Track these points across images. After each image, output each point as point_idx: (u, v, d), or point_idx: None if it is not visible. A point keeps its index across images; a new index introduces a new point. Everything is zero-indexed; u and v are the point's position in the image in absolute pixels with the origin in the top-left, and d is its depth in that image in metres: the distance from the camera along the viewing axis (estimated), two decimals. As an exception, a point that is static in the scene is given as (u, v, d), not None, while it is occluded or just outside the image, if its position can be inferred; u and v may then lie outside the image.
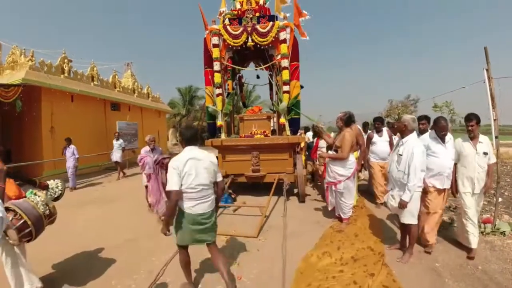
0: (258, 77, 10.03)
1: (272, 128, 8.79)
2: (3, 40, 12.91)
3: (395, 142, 5.81)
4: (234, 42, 7.20)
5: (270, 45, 7.22)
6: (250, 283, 3.46)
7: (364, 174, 8.39)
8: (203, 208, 3.05)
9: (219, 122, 7.33)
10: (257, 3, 7.68)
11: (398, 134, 5.75)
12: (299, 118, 7.45)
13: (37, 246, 4.11)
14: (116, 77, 17.59)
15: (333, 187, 5.08)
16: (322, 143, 7.00)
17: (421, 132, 4.69)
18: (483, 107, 5.08)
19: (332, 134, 7.08)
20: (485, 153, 3.90)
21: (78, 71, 14.10)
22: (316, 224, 5.32)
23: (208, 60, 7.38)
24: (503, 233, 4.50)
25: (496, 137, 4.99)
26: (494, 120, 6.12)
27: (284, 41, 6.99)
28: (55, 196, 3.04)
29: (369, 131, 7.23)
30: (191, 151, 3.07)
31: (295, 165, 7.11)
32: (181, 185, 2.95)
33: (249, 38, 7.11)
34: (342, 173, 4.96)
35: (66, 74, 13.15)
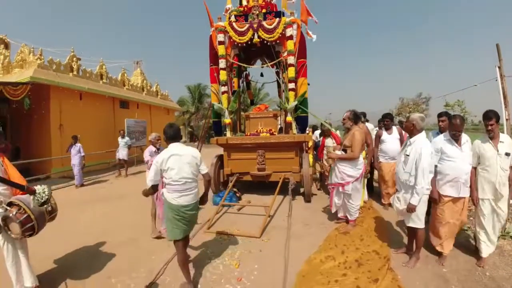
0: (262, 74, 9.93)
1: (279, 127, 8.69)
2: (12, 38, 13.07)
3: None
4: (240, 39, 7.10)
5: (276, 41, 7.09)
6: (250, 285, 3.38)
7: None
8: (186, 200, 3.27)
9: (225, 120, 7.25)
10: (263, -1, 7.56)
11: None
12: (307, 116, 7.32)
13: (39, 243, 4.18)
14: (125, 75, 17.69)
15: (340, 188, 4.89)
16: (329, 142, 6.87)
17: (441, 131, 4.36)
18: (495, 105, 4.80)
19: (337, 132, 6.96)
20: (507, 154, 3.55)
21: (87, 69, 14.21)
22: (321, 225, 5.20)
23: (214, 58, 7.31)
24: (513, 237, 4.30)
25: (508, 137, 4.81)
26: (507, 119, 5.94)
27: (291, 37, 6.85)
28: (42, 201, 3.04)
29: (373, 128, 7.08)
30: (174, 147, 3.29)
31: (301, 164, 7.00)
32: (165, 178, 3.25)
33: (255, 34, 6.99)
34: (351, 174, 4.77)
35: (75, 72, 13.26)
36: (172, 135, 3.35)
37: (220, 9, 8.88)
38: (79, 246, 4.60)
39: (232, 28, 7.10)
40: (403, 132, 5.95)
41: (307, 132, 7.76)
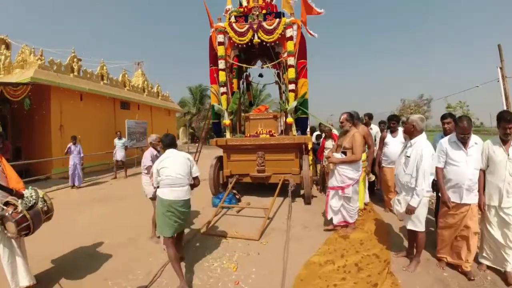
0: (261, 75, 9.88)
1: (281, 129, 8.65)
2: (13, 39, 13.08)
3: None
4: (239, 40, 7.06)
5: (276, 42, 7.06)
6: (247, 289, 3.34)
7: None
8: (178, 195, 3.47)
9: (224, 121, 7.21)
10: (264, 0, 7.53)
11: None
12: (307, 118, 7.27)
13: (38, 243, 4.19)
14: (126, 76, 17.69)
15: (340, 192, 4.75)
16: (329, 144, 6.81)
17: (446, 133, 4.15)
18: (496, 107, 4.68)
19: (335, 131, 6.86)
20: None
21: (87, 70, 14.21)
22: (321, 228, 5.14)
23: (214, 58, 7.28)
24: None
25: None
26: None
27: (291, 38, 6.81)
28: (29, 205, 3.04)
29: (378, 131, 6.98)
30: (170, 152, 3.70)
31: (301, 165, 6.95)
32: (159, 177, 3.52)
33: (255, 35, 6.96)
34: (352, 176, 4.67)
35: (75, 73, 13.26)
36: (168, 143, 3.78)
37: (220, 10, 8.86)
38: (77, 247, 4.58)
39: (232, 28, 7.07)
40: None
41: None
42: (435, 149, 3.63)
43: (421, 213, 3.52)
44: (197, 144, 15.59)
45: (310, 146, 7.95)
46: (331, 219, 4.93)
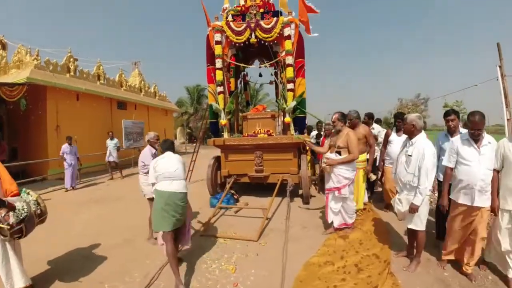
0: (260, 75, 9.85)
1: (281, 128, 8.60)
2: (10, 39, 12.97)
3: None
4: (237, 39, 7.01)
5: (274, 41, 6.99)
6: (246, 291, 3.29)
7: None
8: (177, 187, 3.56)
9: (222, 120, 7.16)
10: (261, -2, 7.47)
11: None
12: (305, 117, 7.26)
13: (33, 244, 4.14)
14: (123, 75, 17.61)
15: (336, 192, 4.68)
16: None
17: (450, 131, 3.95)
18: (495, 106, 4.62)
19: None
20: None
21: (84, 70, 14.13)
22: (320, 228, 5.10)
23: (211, 58, 7.22)
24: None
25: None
26: (508, 119, 5.86)
27: (289, 37, 6.76)
28: (21, 218, 2.99)
29: (380, 130, 6.91)
30: (166, 154, 3.85)
31: (299, 165, 6.91)
32: (157, 173, 3.63)
33: (253, 34, 6.90)
34: (348, 176, 4.61)
35: (71, 73, 13.19)
36: (166, 147, 3.94)
37: (217, 9, 8.80)
38: (73, 248, 4.52)
39: (229, 27, 7.02)
40: None
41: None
42: (437, 147, 3.59)
43: (423, 212, 3.48)
44: (194, 144, 15.53)
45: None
46: (332, 222, 4.85)
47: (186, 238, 3.89)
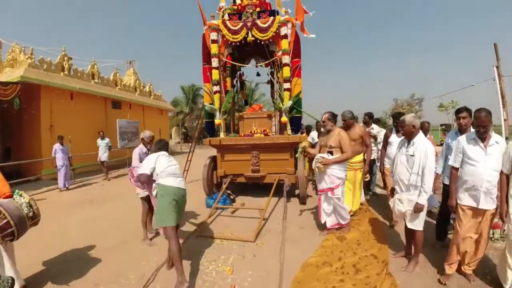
0: (258, 74, 9.81)
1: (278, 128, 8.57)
2: (4, 37, 12.84)
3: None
4: (233, 38, 6.96)
5: (270, 40, 6.97)
6: (243, 293, 3.25)
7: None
8: (180, 184, 3.63)
9: (217, 120, 7.11)
10: (257, -2, 7.43)
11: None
12: (301, 117, 7.24)
13: (27, 246, 4.07)
14: (118, 75, 17.49)
15: (329, 193, 4.62)
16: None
17: (461, 130, 3.76)
18: (492, 106, 4.56)
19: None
20: None
21: (78, 69, 14.00)
22: (317, 229, 5.08)
23: (207, 57, 7.17)
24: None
25: (506, 138, 4.68)
26: (505, 120, 5.87)
27: (285, 36, 6.73)
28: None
29: (379, 130, 6.85)
30: (162, 153, 3.83)
31: (296, 165, 6.89)
32: (158, 169, 3.60)
33: (249, 33, 6.86)
34: (341, 176, 4.58)
35: (66, 72, 13.06)
36: (160, 147, 3.92)
37: (213, 7, 8.75)
38: (67, 250, 4.45)
39: (226, 26, 6.97)
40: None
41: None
42: (446, 146, 3.56)
43: (422, 212, 3.46)
44: (190, 144, 15.47)
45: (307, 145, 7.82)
46: (325, 222, 4.82)
47: None
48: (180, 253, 3.37)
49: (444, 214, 4.15)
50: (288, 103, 6.75)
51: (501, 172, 3.04)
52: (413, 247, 3.67)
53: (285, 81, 6.80)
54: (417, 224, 3.49)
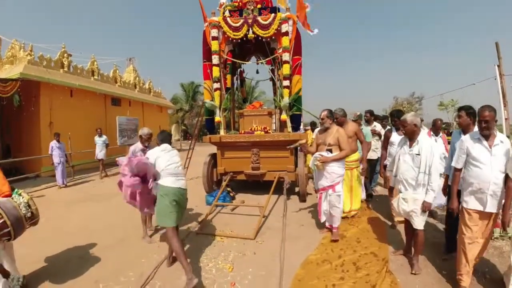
0: (257, 71, 9.77)
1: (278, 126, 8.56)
2: (3, 34, 12.77)
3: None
4: (234, 35, 6.94)
5: (271, 37, 6.94)
6: (243, 291, 3.25)
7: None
8: (181, 184, 3.59)
9: (217, 117, 7.09)
10: (258, -6, 7.39)
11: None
12: (301, 115, 7.22)
13: (26, 244, 4.06)
14: (117, 71, 17.44)
15: (330, 190, 4.51)
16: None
17: (464, 130, 3.65)
18: (494, 105, 4.54)
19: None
20: None
21: (78, 66, 13.96)
22: (316, 226, 5.07)
23: (207, 54, 7.14)
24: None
25: (507, 137, 4.67)
26: (506, 119, 5.86)
27: (286, 33, 6.70)
28: None
29: (381, 128, 6.82)
30: (165, 147, 3.77)
31: (296, 163, 6.87)
32: (159, 168, 3.59)
33: (250, 30, 6.83)
34: (341, 173, 4.51)
35: (65, 69, 13.03)
36: (162, 139, 3.86)
37: (214, 4, 8.72)
38: (66, 247, 4.43)
39: (226, 23, 6.94)
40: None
41: (302, 130, 7.63)
42: (451, 147, 3.52)
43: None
44: (190, 141, 15.46)
45: (309, 142, 7.79)
46: (324, 221, 4.74)
47: None
48: (183, 251, 3.35)
49: (452, 222, 3.76)
50: (285, 100, 6.72)
51: (509, 179, 2.82)
52: (414, 247, 3.64)
53: (285, 78, 6.78)
54: (421, 224, 3.45)
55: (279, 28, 6.75)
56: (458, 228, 3.23)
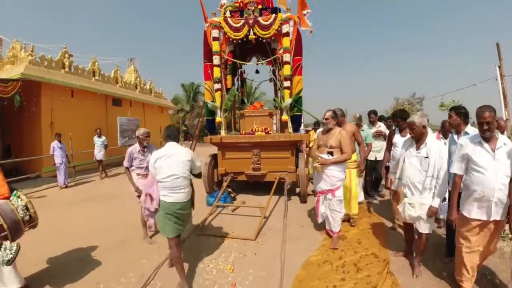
0: (257, 71, 9.75)
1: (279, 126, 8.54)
2: (4, 34, 12.81)
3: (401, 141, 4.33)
4: (235, 35, 6.94)
5: (272, 38, 6.94)
6: (244, 291, 3.25)
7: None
8: (177, 198, 3.32)
9: (218, 118, 7.09)
10: (259, -5, 7.40)
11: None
12: (301, 115, 7.21)
13: (28, 245, 4.01)
14: (118, 72, 17.46)
15: (330, 195, 4.35)
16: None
17: (457, 131, 3.58)
18: (494, 106, 4.50)
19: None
20: None
21: (79, 66, 13.98)
22: (317, 227, 5.06)
23: (208, 54, 7.13)
24: (513, 239, 4.12)
25: (508, 137, 4.66)
26: (506, 119, 5.86)
27: (287, 34, 6.70)
28: (6, 259, 2.88)
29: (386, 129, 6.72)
30: (168, 148, 3.43)
31: (297, 164, 6.87)
32: (157, 178, 3.36)
33: (251, 31, 6.83)
34: (341, 177, 4.39)
35: (66, 69, 13.04)
36: (168, 135, 3.56)
37: (215, 5, 8.72)
38: (67, 249, 4.44)
39: (227, 23, 6.94)
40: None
41: (303, 130, 7.61)
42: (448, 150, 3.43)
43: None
44: (190, 142, 15.46)
45: (311, 144, 7.74)
46: (324, 221, 4.65)
47: None
48: (180, 261, 3.32)
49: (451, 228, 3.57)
50: (287, 101, 6.72)
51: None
52: (415, 249, 3.62)
53: (285, 79, 6.77)
54: (427, 227, 3.37)
55: (279, 29, 6.75)
56: (455, 236, 3.12)
